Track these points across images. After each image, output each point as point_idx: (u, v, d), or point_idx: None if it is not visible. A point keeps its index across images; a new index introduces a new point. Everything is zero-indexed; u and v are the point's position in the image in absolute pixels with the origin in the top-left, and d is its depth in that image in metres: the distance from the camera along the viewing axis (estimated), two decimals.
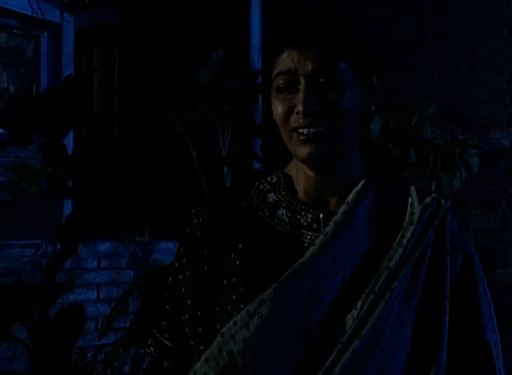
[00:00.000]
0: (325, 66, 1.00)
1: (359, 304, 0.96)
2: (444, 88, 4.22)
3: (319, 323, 0.96)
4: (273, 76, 1.04)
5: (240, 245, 1.04)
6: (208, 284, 1.04)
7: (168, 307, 1.10)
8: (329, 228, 1.00)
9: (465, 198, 3.99)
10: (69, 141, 4.94)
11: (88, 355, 3.48)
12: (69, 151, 4.78)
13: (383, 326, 0.96)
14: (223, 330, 0.96)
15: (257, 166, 4.66)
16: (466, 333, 1.03)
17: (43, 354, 2.93)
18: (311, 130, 1.00)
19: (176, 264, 1.10)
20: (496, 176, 4.06)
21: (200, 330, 1.04)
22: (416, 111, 2.84)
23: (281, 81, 1.02)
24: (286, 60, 1.01)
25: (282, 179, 1.10)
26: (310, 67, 1.00)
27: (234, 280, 1.02)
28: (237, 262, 1.02)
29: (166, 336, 1.10)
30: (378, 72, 1.05)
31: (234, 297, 1.00)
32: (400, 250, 1.00)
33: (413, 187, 1.08)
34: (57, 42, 5.47)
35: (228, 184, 4.32)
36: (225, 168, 4.36)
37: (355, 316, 0.96)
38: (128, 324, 2.78)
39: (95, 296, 3.77)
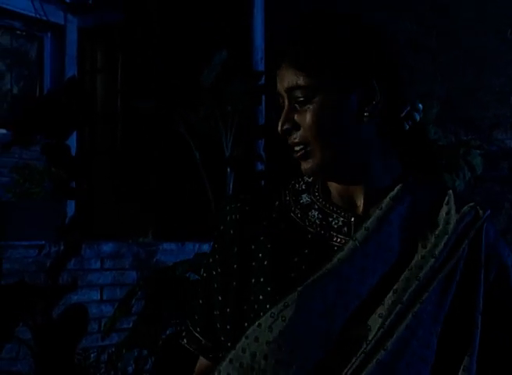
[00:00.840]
0: (298, 83, 0.99)
1: (385, 312, 0.95)
2: (447, 89, 4.22)
3: (343, 328, 0.95)
4: None
5: (269, 245, 1.04)
6: (237, 282, 1.05)
7: (201, 301, 1.11)
8: (359, 234, 0.98)
9: (468, 199, 3.98)
10: (72, 141, 4.94)
11: (91, 355, 3.49)
12: (73, 152, 4.79)
13: (410, 338, 0.94)
14: (248, 331, 0.97)
15: (260, 167, 4.66)
16: (499, 348, 1.01)
17: (46, 355, 2.93)
18: (296, 148, 1.01)
19: (210, 259, 1.10)
20: (500, 177, 4.06)
21: (228, 326, 1.05)
22: None
23: (279, 101, 1.05)
24: (277, 80, 1.04)
25: None
26: (285, 86, 1.01)
27: (262, 280, 1.02)
28: (265, 263, 1.03)
29: (198, 330, 1.11)
30: (379, 74, 1.00)
31: (261, 297, 1.01)
32: (432, 260, 0.97)
33: (451, 193, 1.05)
34: (60, 43, 5.48)
35: (231, 185, 4.32)
36: (228, 169, 4.36)
37: (380, 324, 0.94)
38: (131, 325, 2.78)
39: (98, 297, 3.77)
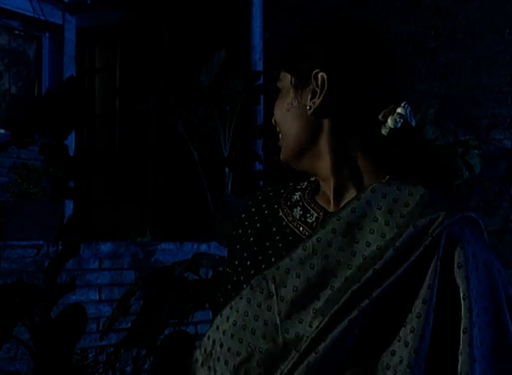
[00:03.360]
0: (279, 78, 1.09)
1: (325, 311, 0.94)
2: (446, 89, 4.22)
3: (288, 324, 0.97)
4: None
5: (251, 239, 1.09)
6: (236, 278, 1.10)
7: (219, 294, 1.16)
8: (315, 231, 1.00)
9: (467, 199, 3.99)
10: (70, 141, 4.94)
11: (90, 355, 3.48)
12: (71, 152, 4.79)
13: (343, 344, 0.92)
14: (214, 320, 1.03)
15: (258, 166, 4.66)
16: (448, 362, 0.93)
17: (44, 354, 2.93)
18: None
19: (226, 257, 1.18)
20: (498, 176, 4.07)
21: None
22: (418, 111, 2.84)
23: None
24: None
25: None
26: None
27: (243, 278, 1.07)
28: (245, 254, 1.09)
29: None
30: (333, 74, 1.00)
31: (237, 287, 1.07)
32: (380, 262, 0.93)
33: (426, 195, 0.99)
34: (58, 43, 5.48)
35: (229, 185, 4.32)
36: (227, 169, 4.36)
37: (317, 323, 0.94)
38: (130, 325, 2.78)
39: (97, 297, 3.77)
